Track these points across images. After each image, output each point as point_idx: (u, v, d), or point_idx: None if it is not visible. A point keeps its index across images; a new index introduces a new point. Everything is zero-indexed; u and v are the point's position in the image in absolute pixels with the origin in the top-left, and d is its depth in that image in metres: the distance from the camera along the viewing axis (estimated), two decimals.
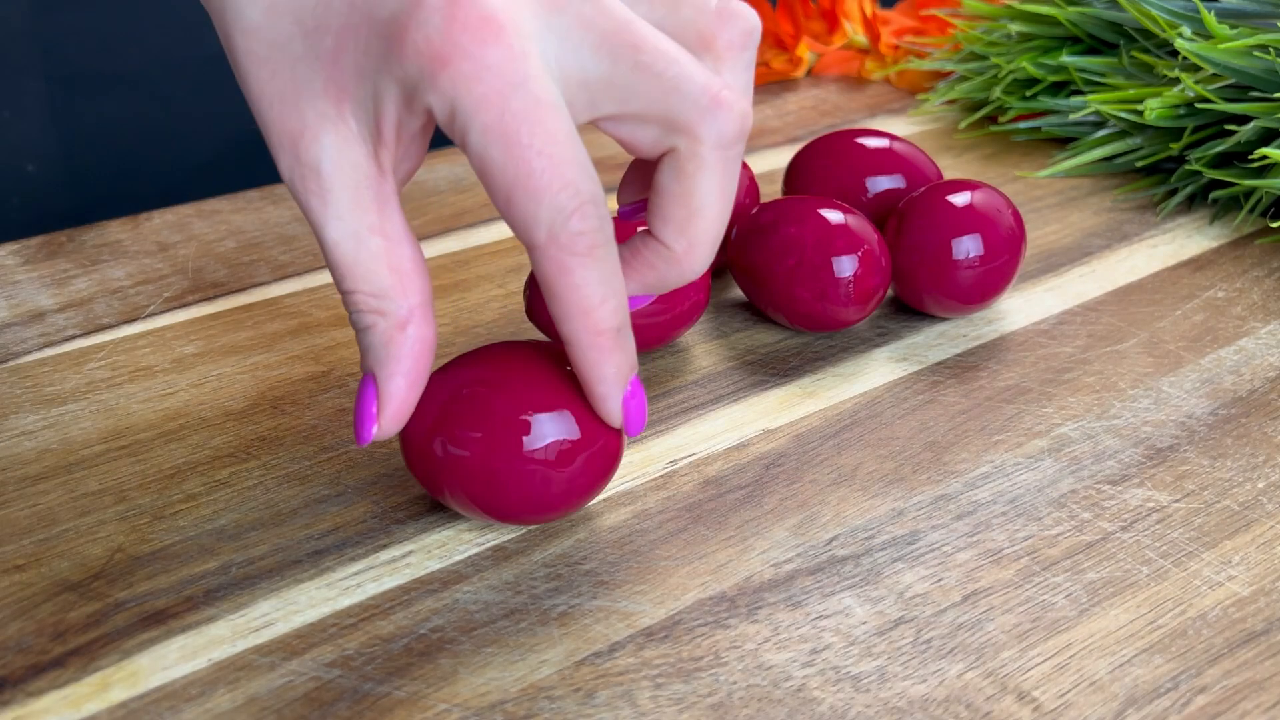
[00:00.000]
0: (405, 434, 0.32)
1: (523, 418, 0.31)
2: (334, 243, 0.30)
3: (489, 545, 0.34)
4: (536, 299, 0.39)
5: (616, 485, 0.36)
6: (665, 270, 0.32)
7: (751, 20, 0.32)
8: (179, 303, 0.43)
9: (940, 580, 0.33)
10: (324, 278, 0.45)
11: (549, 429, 0.31)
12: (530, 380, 0.32)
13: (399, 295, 0.30)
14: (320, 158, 0.30)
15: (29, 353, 0.41)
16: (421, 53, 0.28)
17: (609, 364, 0.31)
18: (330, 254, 0.30)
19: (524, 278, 0.45)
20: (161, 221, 0.48)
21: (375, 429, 0.31)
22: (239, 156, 0.56)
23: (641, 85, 0.29)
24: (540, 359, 0.32)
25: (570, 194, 0.28)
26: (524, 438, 0.31)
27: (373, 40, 0.29)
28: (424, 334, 0.31)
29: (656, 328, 0.40)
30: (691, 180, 0.31)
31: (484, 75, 0.28)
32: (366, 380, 0.31)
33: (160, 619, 0.31)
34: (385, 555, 0.33)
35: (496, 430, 0.31)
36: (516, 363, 0.32)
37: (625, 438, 0.33)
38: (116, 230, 0.48)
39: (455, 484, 0.32)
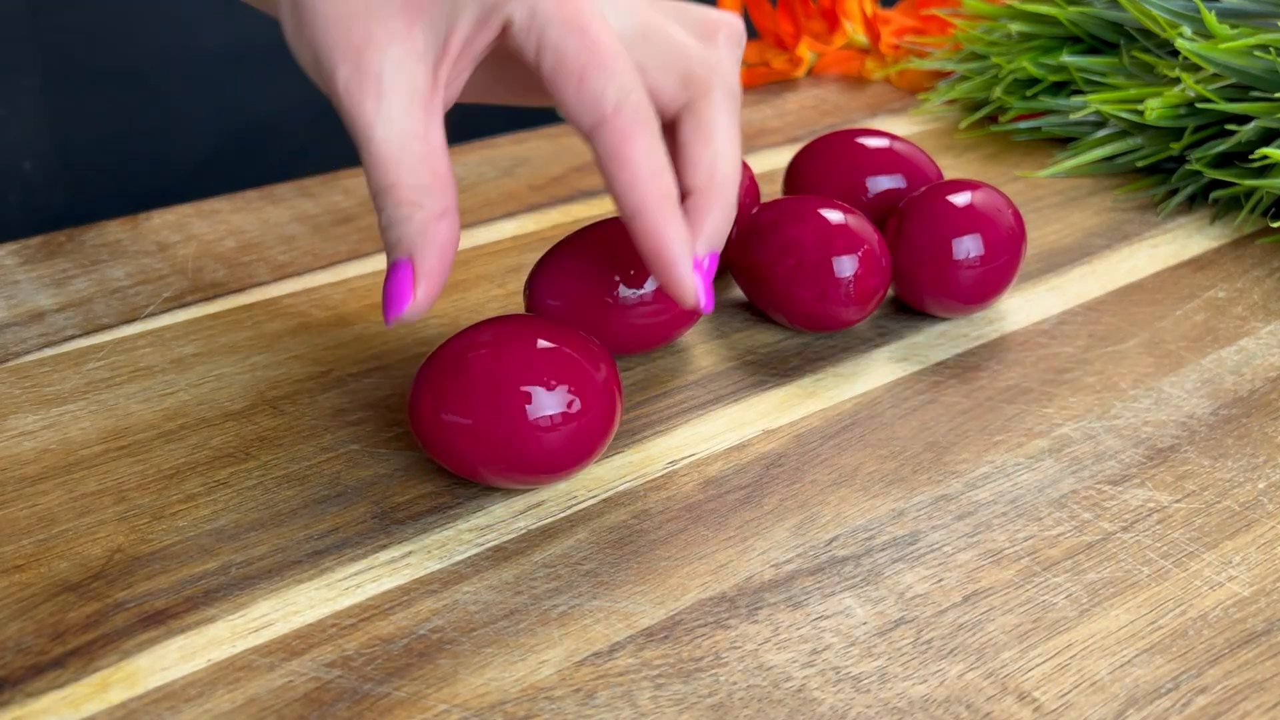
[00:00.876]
0: (414, 406, 0.34)
1: (524, 389, 0.33)
2: (382, 140, 0.33)
3: (489, 545, 0.34)
4: (536, 297, 0.39)
5: (616, 485, 0.36)
6: (716, 215, 0.35)
7: (738, 25, 0.37)
8: (178, 303, 0.43)
9: (941, 581, 0.33)
10: (323, 278, 0.45)
11: (549, 400, 0.33)
12: (530, 345, 0.34)
13: (437, 192, 0.33)
14: (383, 66, 0.33)
15: (28, 353, 0.41)
16: None
17: (676, 230, 0.33)
18: (376, 150, 0.33)
19: (524, 278, 0.45)
20: (161, 221, 0.48)
21: (409, 305, 0.33)
22: (238, 153, 0.56)
23: (666, 43, 0.35)
24: (540, 327, 0.35)
25: (632, 75, 0.33)
26: (526, 406, 0.33)
27: None
28: (454, 232, 0.34)
29: (657, 327, 0.39)
30: (710, 123, 0.35)
31: None
32: (400, 264, 0.33)
33: (160, 619, 0.31)
34: (385, 555, 0.33)
35: (502, 392, 0.33)
36: (515, 330, 0.35)
37: (700, 313, 0.36)
38: (116, 230, 0.47)
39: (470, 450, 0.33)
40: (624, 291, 0.38)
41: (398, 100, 0.33)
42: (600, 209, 0.50)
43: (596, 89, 0.32)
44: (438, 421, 0.33)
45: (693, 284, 0.34)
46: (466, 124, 0.61)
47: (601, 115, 0.33)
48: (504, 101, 0.39)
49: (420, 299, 0.33)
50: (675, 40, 0.35)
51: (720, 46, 0.36)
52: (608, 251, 0.39)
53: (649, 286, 0.39)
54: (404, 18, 0.33)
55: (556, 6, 0.33)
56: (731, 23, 0.37)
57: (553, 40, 0.33)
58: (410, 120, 0.33)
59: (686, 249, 0.34)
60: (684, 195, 0.35)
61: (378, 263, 0.46)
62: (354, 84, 0.33)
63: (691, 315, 0.40)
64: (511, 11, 0.33)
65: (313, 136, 0.57)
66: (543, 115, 0.65)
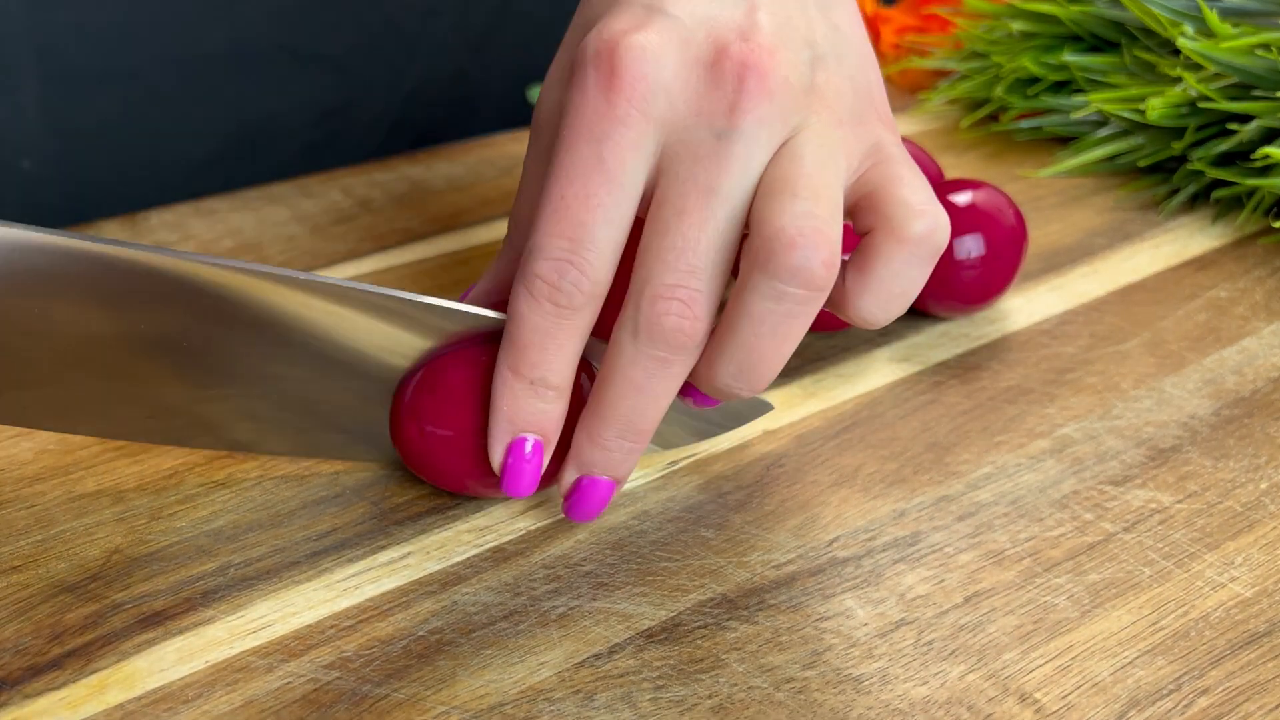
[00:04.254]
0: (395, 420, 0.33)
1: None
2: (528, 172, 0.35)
3: (488, 546, 0.33)
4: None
5: None
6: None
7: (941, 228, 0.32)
8: None
9: (942, 581, 0.33)
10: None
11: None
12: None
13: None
14: (540, 106, 0.34)
15: None
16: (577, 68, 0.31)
17: (505, 400, 0.31)
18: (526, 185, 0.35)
19: None
20: (159, 221, 0.48)
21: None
22: (237, 153, 0.55)
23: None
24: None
25: (581, 243, 0.30)
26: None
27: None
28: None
29: None
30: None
31: (582, 109, 0.30)
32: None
33: (158, 620, 0.31)
34: (384, 557, 0.33)
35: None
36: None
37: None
38: (114, 230, 0.47)
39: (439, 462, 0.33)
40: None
41: (549, 138, 0.33)
42: None
43: (538, 229, 0.31)
44: (421, 434, 0.33)
45: (499, 457, 0.32)
46: (467, 124, 0.61)
47: (518, 252, 0.32)
48: None
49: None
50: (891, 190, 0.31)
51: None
52: None
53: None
54: (562, 64, 0.34)
55: (567, 132, 0.30)
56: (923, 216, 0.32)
57: (556, 161, 0.31)
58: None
59: (508, 425, 0.32)
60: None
61: (376, 262, 0.46)
62: (534, 118, 0.34)
63: None
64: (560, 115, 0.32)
65: (312, 136, 0.57)
66: None
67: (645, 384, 0.30)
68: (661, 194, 0.30)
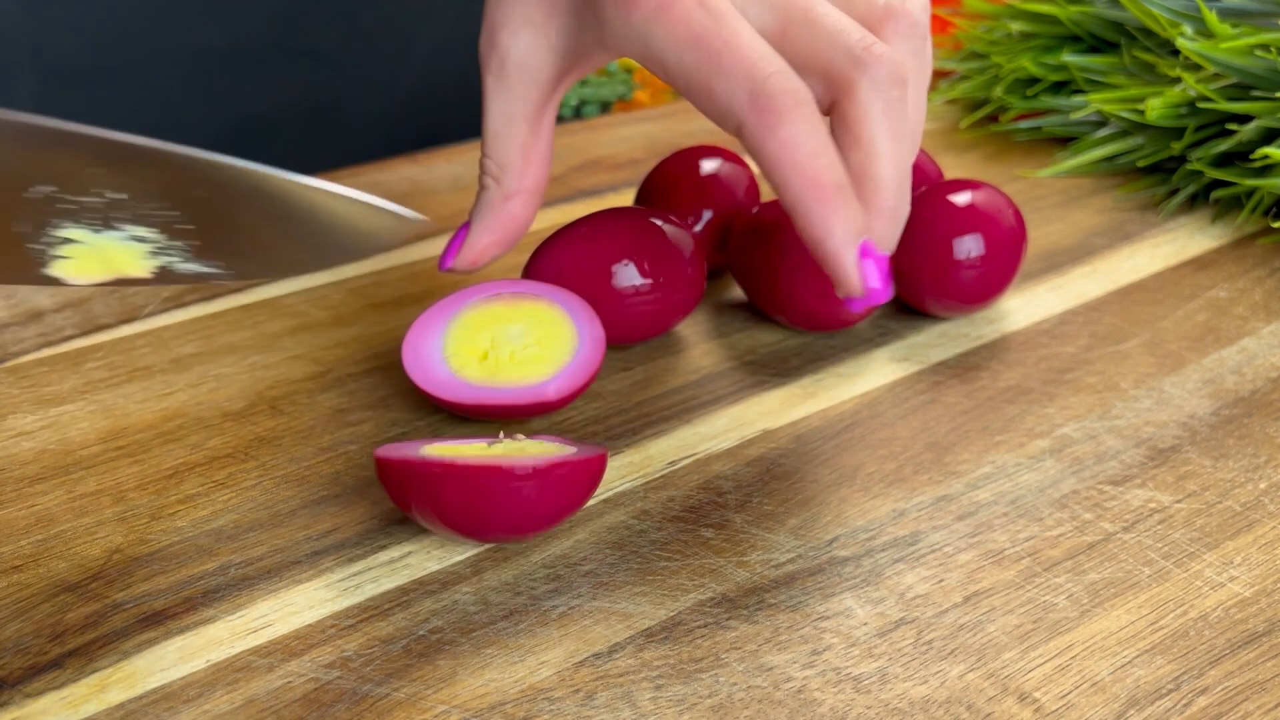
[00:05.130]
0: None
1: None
2: (491, 115, 0.37)
3: (488, 546, 0.33)
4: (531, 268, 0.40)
5: (616, 485, 0.36)
6: (876, 221, 0.32)
7: (916, 13, 0.35)
8: (177, 303, 0.43)
9: (941, 581, 0.33)
10: (323, 278, 0.45)
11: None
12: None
13: (517, 174, 0.37)
14: (510, 47, 0.36)
15: (27, 353, 0.41)
16: (616, 1, 0.33)
17: (837, 218, 0.31)
18: (485, 122, 0.37)
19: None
20: None
21: (453, 260, 0.38)
22: (235, 152, 0.56)
23: (806, 36, 0.32)
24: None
25: (762, 64, 0.31)
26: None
27: None
28: (521, 213, 0.37)
29: (652, 316, 0.39)
30: (858, 124, 0.32)
31: (670, 5, 0.32)
32: (463, 225, 0.38)
33: (158, 620, 0.31)
34: (384, 556, 0.33)
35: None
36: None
37: (859, 305, 0.33)
38: None
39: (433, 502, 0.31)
40: (620, 280, 0.38)
41: (517, 82, 0.35)
42: (598, 204, 0.50)
43: (726, 95, 0.31)
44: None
45: (854, 273, 0.32)
46: (464, 122, 0.61)
47: (740, 116, 0.32)
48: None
49: (460, 263, 0.37)
50: (819, 31, 0.32)
51: (885, 35, 0.34)
52: (605, 240, 0.39)
53: (645, 276, 0.39)
54: (542, 10, 0.35)
55: (666, 29, 0.32)
56: (903, 12, 0.35)
57: (674, 63, 0.32)
58: (523, 103, 0.36)
59: (849, 238, 0.31)
60: None
61: (376, 263, 0.46)
62: (485, 53, 0.36)
63: (688, 305, 0.40)
64: (628, 47, 0.33)
65: (311, 135, 0.57)
66: None
67: (898, 129, 0.32)
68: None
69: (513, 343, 0.37)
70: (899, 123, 0.32)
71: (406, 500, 0.31)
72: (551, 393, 0.36)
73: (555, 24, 0.35)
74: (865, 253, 0.32)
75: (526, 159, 0.36)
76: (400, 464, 0.31)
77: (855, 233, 0.32)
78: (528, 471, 0.30)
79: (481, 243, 0.37)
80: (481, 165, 0.37)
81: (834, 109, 0.33)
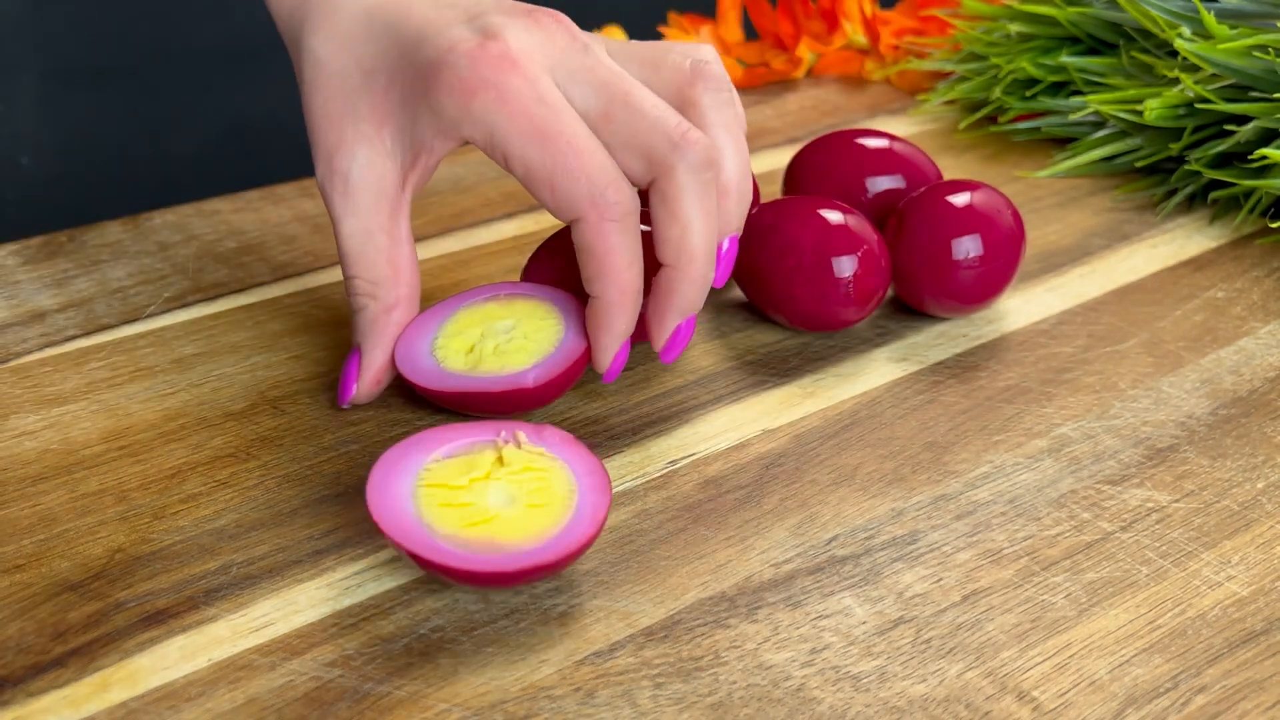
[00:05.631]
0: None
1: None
2: (347, 235, 0.37)
3: None
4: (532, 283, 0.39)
5: (616, 485, 0.36)
6: (684, 288, 0.36)
7: (718, 71, 0.38)
8: (179, 303, 0.43)
9: (940, 580, 0.33)
10: (323, 278, 0.45)
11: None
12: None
13: (390, 285, 0.37)
14: (350, 167, 0.36)
15: (30, 353, 0.41)
16: (454, 88, 0.34)
17: (621, 321, 0.36)
18: (342, 244, 0.37)
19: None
20: (161, 221, 0.48)
21: (353, 392, 0.38)
22: (234, 149, 0.56)
23: (628, 120, 0.35)
24: None
25: (604, 173, 0.34)
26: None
27: (416, 81, 0.35)
28: (406, 321, 0.38)
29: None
30: (675, 202, 0.35)
31: (509, 97, 0.34)
32: (353, 352, 0.38)
33: (160, 619, 0.31)
34: (385, 555, 0.33)
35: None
36: None
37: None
38: (117, 230, 0.48)
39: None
40: None
41: (364, 199, 0.36)
42: None
43: (571, 194, 0.34)
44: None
45: (609, 363, 0.37)
46: None
47: (578, 214, 0.34)
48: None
49: (363, 389, 0.38)
50: (640, 115, 0.35)
51: (699, 104, 0.37)
52: None
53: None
54: (373, 122, 0.36)
55: (509, 121, 0.34)
56: (705, 65, 0.37)
57: (516, 153, 0.34)
58: (375, 216, 0.36)
59: (619, 339, 0.36)
60: (658, 267, 0.36)
61: None
62: (326, 180, 0.37)
63: None
64: (471, 133, 0.35)
65: None
66: None
67: (708, 207, 0.35)
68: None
69: (499, 337, 0.38)
70: (709, 201, 0.35)
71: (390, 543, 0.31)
72: (530, 381, 0.36)
73: (389, 131, 0.36)
74: (624, 346, 0.37)
75: (395, 268, 0.37)
76: (388, 535, 0.31)
77: (625, 333, 0.36)
78: (516, 569, 0.30)
79: (377, 363, 0.37)
80: (350, 287, 0.37)
81: (653, 186, 0.35)
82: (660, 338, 0.37)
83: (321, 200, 0.36)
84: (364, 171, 0.36)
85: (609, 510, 0.32)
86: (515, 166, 0.35)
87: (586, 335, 0.37)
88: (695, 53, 0.38)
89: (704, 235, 0.35)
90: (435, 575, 0.31)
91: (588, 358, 0.37)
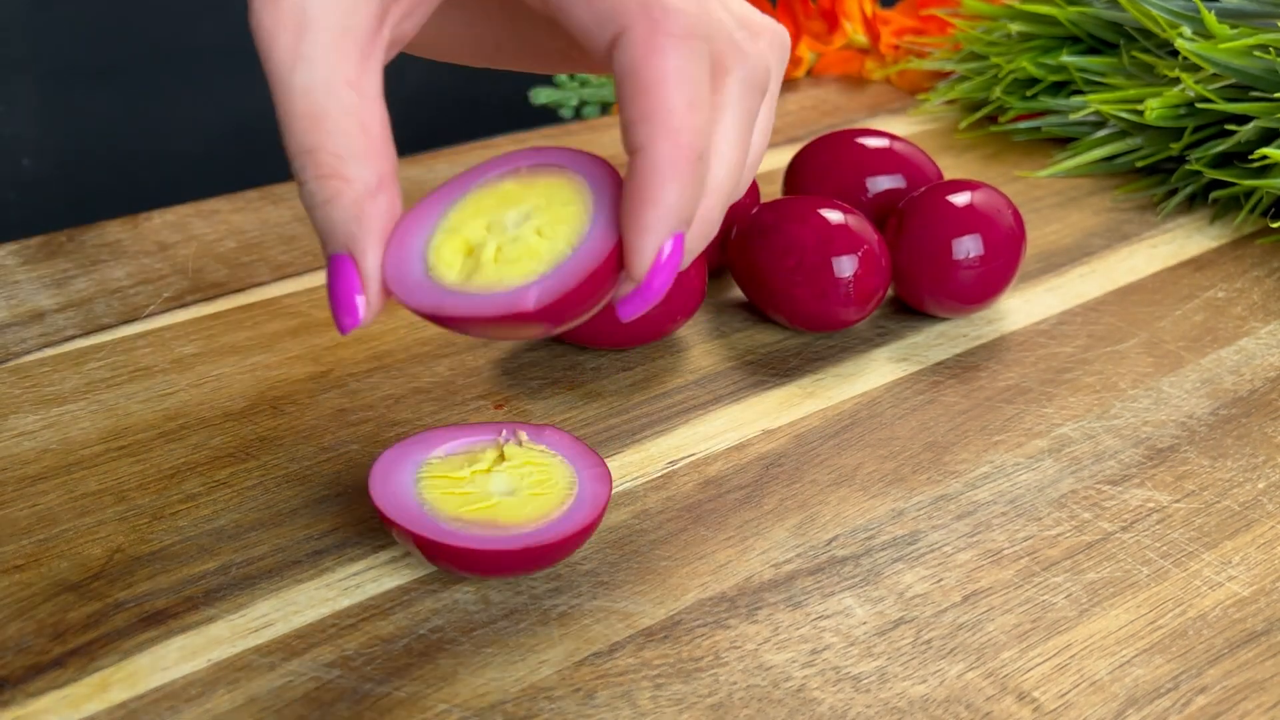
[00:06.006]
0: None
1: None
2: (301, 89, 0.26)
3: None
4: None
5: (616, 485, 0.36)
6: (697, 224, 0.27)
7: (783, 34, 0.30)
8: (179, 303, 0.43)
9: (940, 580, 0.33)
10: (324, 278, 0.45)
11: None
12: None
13: (369, 158, 0.26)
14: None
15: (29, 353, 0.41)
16: None
17: (678, 193, 0.25)
18: (291, 103, 0.26)
19: None
20: (161, 221, 0.48)
21: (362, 311, 0.27)
22: (234, 149, 0.56)
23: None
24: None
25: None
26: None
27: None
28: (395, 206, 0.27)
29: (652, 320, 0.39)
30: (715, 111, 0.27)
31: None
32: (340, 261, 0.27)
33: (160, 619, 0.31)
34: (385, 555, 0.33)
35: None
36: None
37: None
38: (116, 230, 0.47)
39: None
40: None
41: (325, 36, 0.25)
42: None
43: None
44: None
45: (649, 259, 0.26)
46: (464, 122, 0.61)
47: (624, 22, 0.25)
48: (489, 63, 0.31)
49: (374, 301, 0.27)
50: (702, 6, 0.27)
51: (760, 43, 0.29)
52: None
53: None
54: None
55: None
56: (777, 30, 0.30)
57: None
58: (340, 62, 0.26)
59: (673, 220, 0.26)
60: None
61: None
62: (269, 9, 0.25)
63: (689, 309, 0.40)
64: None
65: None
66: (543, 115, 0.65)
67: (745, 135, 0.27)
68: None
69: (508, 231, 0.29)
70: (748, 131, 0.28)
71: (393, 531, 0.31)
72: (531, 302, 0.27)
73: None
74: (675, 245, 0.27)
75: (370, 134, 0.26)
76: (392, 522, 0.31)
77: (683, 218, 0.26)
78: (518, 549, 0.30)
79: (377, 266, 0.27)
80: (306, 165, 0.26)
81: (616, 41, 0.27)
82: (639, 261, 0.26)
83: (258, 48, 0.26)
84: (325, 2, 0.26)
85: (609, 499, 0.32)
86: None
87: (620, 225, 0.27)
88: (774, 27, 0.30)
89: (730, 169, 0.28)
90: (435, 560, 0.31)
91: (617, 263, 0.27)
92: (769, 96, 0.30)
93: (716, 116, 0.27)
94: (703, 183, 0.26)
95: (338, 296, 0.27)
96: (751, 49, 0.27)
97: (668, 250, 0.26)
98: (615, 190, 0.28)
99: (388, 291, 0.28)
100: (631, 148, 0.26)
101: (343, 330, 0.27)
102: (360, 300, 0.27)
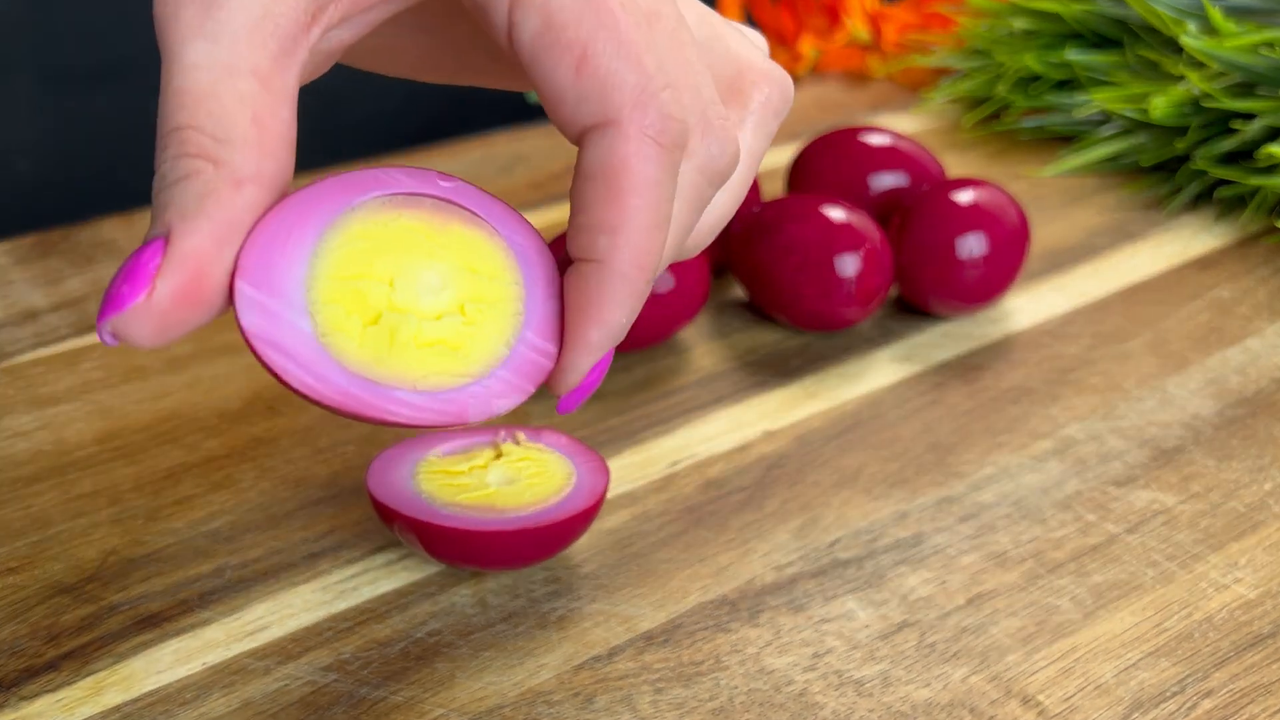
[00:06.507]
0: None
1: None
2: (190, 64, 0.22)
3: None
4: None
5: (617, 487, 0.36)
6: (622, 295, 0.24)
7: (783, 83, 0.27)
8: None
9: (944, 583, 0.32)
10: None
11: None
12: None
13: (250, 148, 0.22)
14: None
15: (22, 353, 0.40)
16: None
17: (623, 314, 0.24)
18: (176, 78, 0.22)
19: None
20: None
21: (130, 307, 0.21)
22: None
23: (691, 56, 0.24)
24: None
25: (659, 64, 0.23)
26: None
27: None
28: (258, 209, 0.22)
29: (655, 324, 0.39)
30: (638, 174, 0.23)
31: None
32: (151, 242, 0.21)
33: (154, 622, 0.31)
34: (381, 558, 0.33)
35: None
36: None
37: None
38: (110, 228, 0.47)
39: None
40: None
41: (238, 16, 0.22)
42: None
43: (607, 74, 0.22)
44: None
45: (580, 376, 0.24)
46: (463, 120, 0.61)
47: (607, 116, 0.22)
48: (447, 79, 0.29)
49: (157, 300, 0.21)
50: (683, 69, 0.24)
51: (749, 108, 0.27)
52: None
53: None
54: None
55: None
56: (778, 80, 0.27)
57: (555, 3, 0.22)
58: (249, 49, 0.22)
59: (612, 340, 0.24)
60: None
61: None
62: None
63: (691, 311, 0.40)
64: None
65: (309, 133, 0.57)
66: (542, 112, 0.65)
67: (665, 179, 0.23)
68: None
69: (422, 300, 0.24)
70: (687, 219, 0.25)
71: (392, 527, 0.31)
72: (470, 414, 0.24)
73: None
74: (607, 356, 0.25)
75: (263, 128, 0.22)
76: (389, 510, 0.30)
77: (619, 337, 0.24)
78: (515, 529, 0.30)
79: (201, 251, 0.21)
80: (172, 143, 0.22)
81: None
82: (572, 370, 0.24)
83: (156, 25, 0.23)
84: None
85: (608, 487, 0.32)
86: (529, 17, 0.22)
87: (560, 327, 0.24)
88: (763, 59, 0.28)
89: (681, 214, 0.25)
90: (433, 549, 0.30)
91: (549, 364, 0.25)
92: (739, 175, 0.27)
93: (626, 180, 0.24)
94: (643, 295, 0.24)
95: (117, 282, 0.21)
96: (721, 131, 0.24)
97: (599, 364, 0.25)
98: (549, 273, 0.25)
99: (193, 299, 0.21)
100: (586, 255, 0.23)
101: (99, 327, 0.21)
102: (138, 293, 0.21)
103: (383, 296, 0.23)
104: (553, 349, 0.24)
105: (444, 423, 0.23)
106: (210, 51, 0.22)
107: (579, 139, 0.23)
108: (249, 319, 0.22)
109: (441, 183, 0.25)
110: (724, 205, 0.27)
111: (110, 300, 0.21)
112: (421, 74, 0.28)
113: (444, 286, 0.24)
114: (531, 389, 0.24)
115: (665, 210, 0.23)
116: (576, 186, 0.23)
